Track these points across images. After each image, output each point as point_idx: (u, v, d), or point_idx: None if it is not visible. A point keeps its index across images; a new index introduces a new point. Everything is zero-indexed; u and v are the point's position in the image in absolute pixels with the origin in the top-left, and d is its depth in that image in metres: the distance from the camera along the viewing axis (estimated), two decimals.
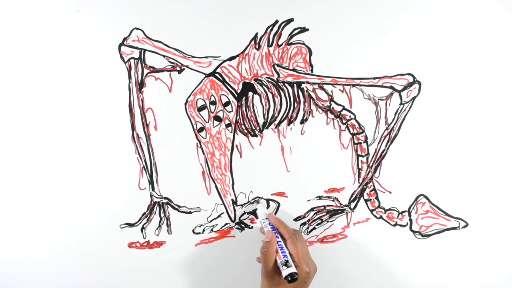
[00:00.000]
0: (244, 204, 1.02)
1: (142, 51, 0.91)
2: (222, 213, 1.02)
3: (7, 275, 1.05)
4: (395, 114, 0.96)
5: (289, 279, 0.78)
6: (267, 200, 1.02)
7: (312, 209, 1.03)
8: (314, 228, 1.05)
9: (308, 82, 0.95)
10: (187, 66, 0.93)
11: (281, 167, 0.99)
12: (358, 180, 1.00)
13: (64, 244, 1.02)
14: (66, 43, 0.90)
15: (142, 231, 1.02)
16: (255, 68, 0.94)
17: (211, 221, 1.03)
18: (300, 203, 1.02)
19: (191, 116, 0.95)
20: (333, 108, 0.96)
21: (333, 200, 1.02)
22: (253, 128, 0.97)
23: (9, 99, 0.92)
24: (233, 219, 1.03)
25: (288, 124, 0.97)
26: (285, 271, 0.79)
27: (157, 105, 0.94)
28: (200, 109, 0.95)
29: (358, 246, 1.05)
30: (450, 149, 0.98)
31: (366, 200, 1.02)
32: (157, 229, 1.02)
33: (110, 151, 0.96)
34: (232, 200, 1.01)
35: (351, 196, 1.01)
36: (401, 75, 0.94)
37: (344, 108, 0.96)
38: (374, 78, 0.94)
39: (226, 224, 1.04)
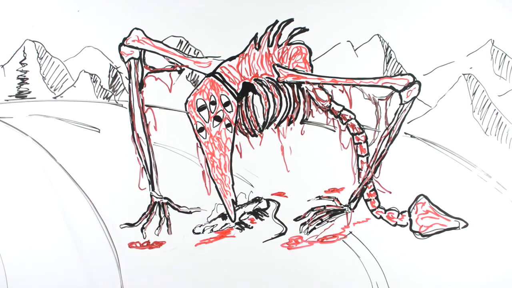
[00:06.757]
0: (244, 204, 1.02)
1: (142, 51, 0.91)
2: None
3: (8, 275, 1.05)
4: (395, 114, 0.96)
5: None
6: (267, 200, 1.02)
7: (312, 209, 1.02)
8: (314, 228, 1.04)
9: (308, 82, 0.95)
10: (187, 66, 0.93)
11: (281, 167, 0.99)
12: (358, 180, 1.00)
13: (64, 244, 1.02)
14: (66, 43, 0.90)
15: (142, 231, 1.02)
16: (255, 68, 0.94)
17: (211, 221, 1.03)
18: (300, 203, 1.02)
19: (191, 116, 0.95)
20: (333, 108, 0.96)
21: (333, 200, 1.02)
22: (253, 128, 0.97)
23: (9, 98, 0.92)
24: (233, 219, 1.03)
25: (288, 124, 0.97)
26: None
27: (157, 105, 0.94)
28: (200, 109, 0.95)
29: (358, 246, 1.04)
30: (450, 149, 0.98)
31: (366, 200, 1.01)
32: (157, 229, 1.02)
33: (110, 151, 0.96)
34: (232, 200, 1.01)
35: (351, 196, 1.01)
36: (401, 75, 0.94)
37: (344, 108, 0.96)
38: (374, 78, 0.94)
39: (226, 224, 1.03)
